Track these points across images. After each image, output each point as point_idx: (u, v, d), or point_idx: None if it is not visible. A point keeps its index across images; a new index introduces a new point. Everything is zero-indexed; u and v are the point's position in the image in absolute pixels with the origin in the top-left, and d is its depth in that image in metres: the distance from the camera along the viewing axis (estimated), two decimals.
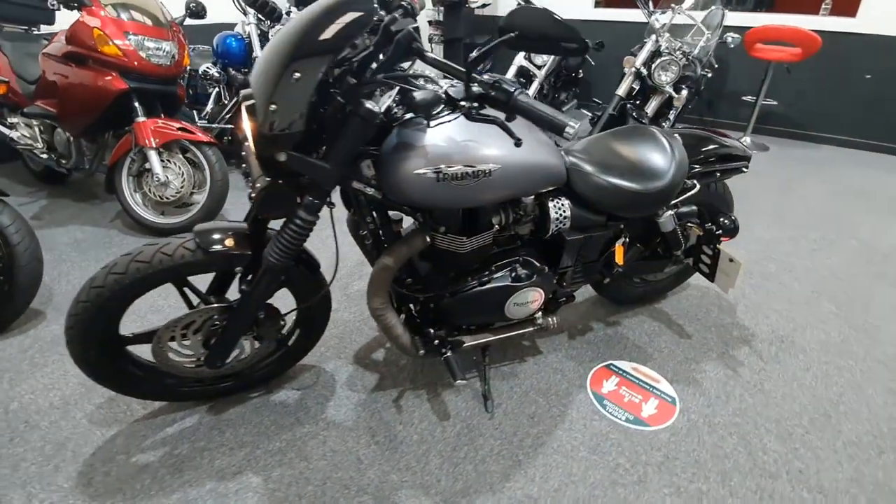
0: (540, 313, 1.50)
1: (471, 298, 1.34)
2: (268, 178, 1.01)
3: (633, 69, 2.92)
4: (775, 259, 2.36)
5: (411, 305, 1.40)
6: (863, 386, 1.59)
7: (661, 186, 1.35)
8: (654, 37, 2.89)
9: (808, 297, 2.05)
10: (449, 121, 1.00)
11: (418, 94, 0.87)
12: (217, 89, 3.21)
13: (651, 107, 3.00)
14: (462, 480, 1.26)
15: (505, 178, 1.09)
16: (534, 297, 1.40)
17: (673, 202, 1.45)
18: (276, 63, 0.88)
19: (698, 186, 1.44)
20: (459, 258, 1.26)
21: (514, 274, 1.36)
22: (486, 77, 0.86)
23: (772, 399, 1.53)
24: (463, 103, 0.91)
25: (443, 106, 0.99)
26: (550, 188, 1.31)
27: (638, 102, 3.13)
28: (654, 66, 2.86)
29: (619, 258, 1.44)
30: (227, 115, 3.13)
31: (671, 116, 3.49)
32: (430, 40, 5.81)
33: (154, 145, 2.26)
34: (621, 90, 2.98)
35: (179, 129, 2.31)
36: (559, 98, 4.34)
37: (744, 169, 1.55)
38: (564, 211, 1.33)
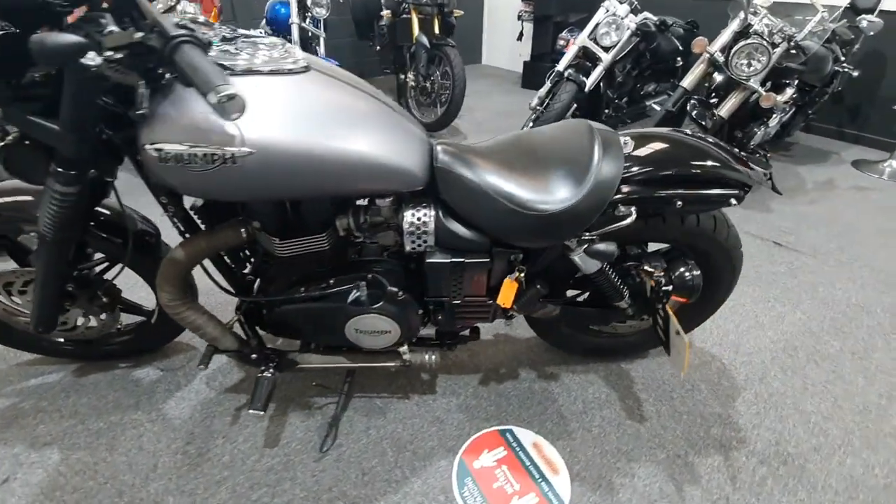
0: (405, 347, 1.20)
1: (299, 314, 1.10)
2: (10, 135, 0.87)
3: (706, 55, 2.26)
4: (847, 334, 1.65)
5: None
6: None
7: (561, 208, 0.93)
8: (741, 13, 2.18)
9: (868, 403, 1.38)
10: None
11: (49, 38, 0.64)
12: None
13: (726, 107, 2.30)
14: None
15: (270, 168, 0.81)
16: (384, 327, 1.10)
17: (592, 234, 1.01)
18: None
19: (634, 216, 0.97)
20: (282, 262, 1.03)
21: (354, 294, 1.07)
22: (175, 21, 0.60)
23: None
24: (109, 54, 0.66)
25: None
26: (407, 191, 1.00)
27: (715, 99, 2.44)
28: (734, 50, 2.17)
29: (503, 298, 1.06)
30: None
31: (771, 123, 2.69)
32: (520, 17, 5.36)
33: None
34: (687, 82, 2.34)
35: None
36: (641, 89, 3.63)
37: (733, 201, 1.02)
38: (425, 224, 1.00)
